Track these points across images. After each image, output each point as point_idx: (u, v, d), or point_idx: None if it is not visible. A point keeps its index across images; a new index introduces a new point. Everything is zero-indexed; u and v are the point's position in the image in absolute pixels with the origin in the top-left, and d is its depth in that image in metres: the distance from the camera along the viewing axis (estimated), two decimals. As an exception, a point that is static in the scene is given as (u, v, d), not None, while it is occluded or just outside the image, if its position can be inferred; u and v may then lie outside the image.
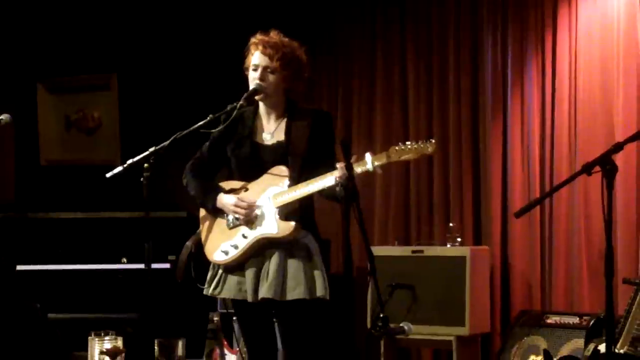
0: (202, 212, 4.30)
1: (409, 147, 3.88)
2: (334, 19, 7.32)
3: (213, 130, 4.18)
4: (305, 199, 4.07)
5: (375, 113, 7.05)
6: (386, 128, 6.96)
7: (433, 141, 3.89)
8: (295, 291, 4.02)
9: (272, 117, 4.23)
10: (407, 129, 6.89)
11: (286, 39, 4.18)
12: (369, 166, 3.89)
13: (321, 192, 4.00)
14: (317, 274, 4.07)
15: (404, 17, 6.96)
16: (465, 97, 6.64)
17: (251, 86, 4.14)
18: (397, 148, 3.89)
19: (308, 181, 4.00)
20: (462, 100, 6.64)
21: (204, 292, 4.23)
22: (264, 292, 4.01)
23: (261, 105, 4.23)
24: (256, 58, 4.14)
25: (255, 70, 4.14)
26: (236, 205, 4.11)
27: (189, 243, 4.33)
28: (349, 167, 3.70)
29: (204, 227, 4.27)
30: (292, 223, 4.03)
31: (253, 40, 4.18)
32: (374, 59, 7.07)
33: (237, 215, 4.13)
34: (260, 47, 4.13)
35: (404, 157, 3.89)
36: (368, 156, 3.90)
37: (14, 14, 7.35)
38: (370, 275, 3.75)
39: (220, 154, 4.27)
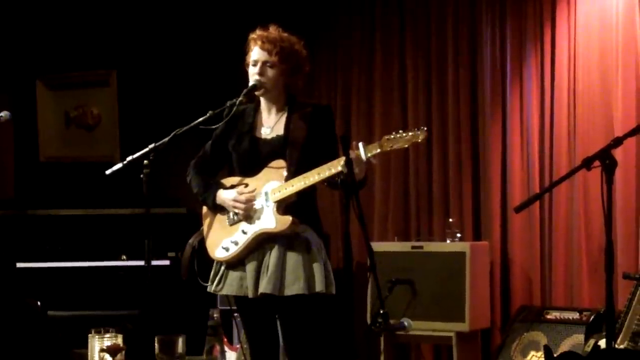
0: (205, 209, 4.30)
1: (400, 136, 3.89)
2: (333, 13, 7.32)
3: (213, 127, 4.19)
4: (306, 193, 4.06)
5: (374, 107, 7.05)
6: (385, 122, 6.95)
7: (425, 129, 3.90)
8: (293, 286, 4.01)
9: (273, 111, 4.23)
10: (406, 125, 6.88)
11: (285, 34, 4.18)
12: (362, 156, 3.89)
13: (323, 181, 3.99)
14: (317, 269, 4.06)
15: (403, 11, 6.96)
16: (464, 92, 6.63)
17: (250, 82, 4.15)
18: (388, 137, 3.91)
19: (305, 174, 4.00)
20: (461, 95, 6.64)
21: (208, 290, 4.23)
22: (263, 287, 4.01)
23: (262, 100, 4.24)
24: (255, 53, 4.15)
25: (254, 65, 4.14)
26: (235, 201, 4.11)
27: (192, 240, 4.33)
28: (348, 162, 3.70)
29: (206, 224, 4.27)
30: (290, 217, 4.03)
31: (252, 36, 4.19)
32: (373, 54, 7.07)
33: (236, 211, 4.13)
34: (259, 43, 4.14)
35: (396, 146, 3.90)
36: (361, 146, 3.90)
37: (13, 10, 7.34)
38: (370, 271, 3.77)
39: (222, 150, 4.27)
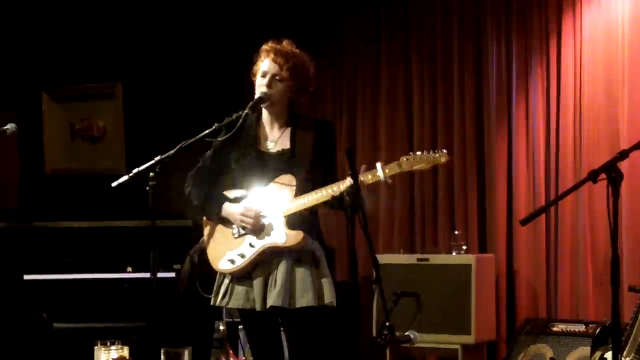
0: (205, 221, 4.29)
1: (421, 156, 3.90)
2: (339, 17, 7.32)
3: (219, 139, 4.18)
4: (311, 207, 4.06)
5: (379, 120, 7.05)
6: (390, 136, 6.97)
7: (445, 152, 3.92)
8: (303, 298, 4.01)
9: (275, 125, 4.22)
10: (411, 137, 6.90)
11: (297, 50, 4.17)
12: (380, 175, 3.90)
13: (326, 202, 4.00)
14: (325, 280, 4.07)
15: (408, 26, 6.97)
16: (469, 105, 6.64)
17: (257, 94, 4.14)
18: (407, 157, 3.91)
19: (315, 191, 4.00)
20: (466, 108, 6.65)
21: (211, 303, 4.22)
22: (273, 300, 4.01)
23: (264, 113, 4.23)
24: (266, 65, 4.14)
25: (263, 77, 4.13)
26: (244, 215, 4.10)
27: (191, 252, 4.33)
28: (354, 175, 3.70)
29: (207, 236, 4.25)
30: (301, 233, 4.03)
31: (265, 47, 4.18)
32: (379, 67, 7.08)
33: (244, 224, 4.11)
34: (272, 55, 4.13)
35: (416, 167, 3.92)
36: (379, 165, 3.91)
37: (18, 23, 7.36)
38: (375, 284, 3.75)
39: (224, 162, 4.25)
